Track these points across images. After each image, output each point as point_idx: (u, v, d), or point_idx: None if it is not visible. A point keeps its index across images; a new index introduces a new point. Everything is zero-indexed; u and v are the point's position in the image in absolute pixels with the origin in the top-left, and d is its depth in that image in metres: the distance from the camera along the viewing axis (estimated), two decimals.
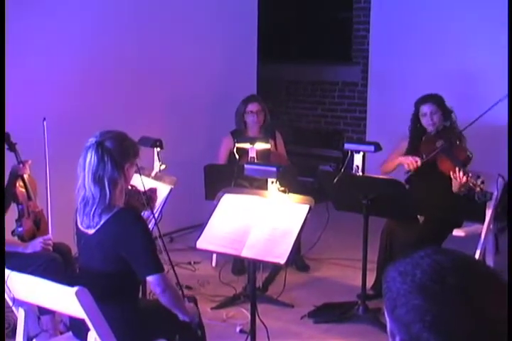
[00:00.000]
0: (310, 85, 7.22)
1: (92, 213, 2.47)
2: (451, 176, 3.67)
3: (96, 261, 2.53)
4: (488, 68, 5.55)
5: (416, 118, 4.12)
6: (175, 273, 3.01)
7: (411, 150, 4.11)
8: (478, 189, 3.53)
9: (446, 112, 4.06)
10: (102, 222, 2.48)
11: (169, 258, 3.02)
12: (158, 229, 3.02)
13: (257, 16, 5.72)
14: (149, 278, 2.46)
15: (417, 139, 4.10)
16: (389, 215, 3.89)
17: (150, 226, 2.92)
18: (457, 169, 3.64)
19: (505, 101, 4.82)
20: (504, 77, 5.17)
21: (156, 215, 3.13)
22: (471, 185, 3.56)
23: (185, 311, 2.56)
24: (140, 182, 2.79)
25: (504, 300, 1.07)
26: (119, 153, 2.47)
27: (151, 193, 2.96)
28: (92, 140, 2.48)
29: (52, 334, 3.15)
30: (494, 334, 1.04)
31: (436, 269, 1.07)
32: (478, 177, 3.56)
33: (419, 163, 3.91)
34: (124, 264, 2.46)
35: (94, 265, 2.54)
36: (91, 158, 2.44)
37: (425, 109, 4.05)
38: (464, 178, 3.59)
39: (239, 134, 4.58)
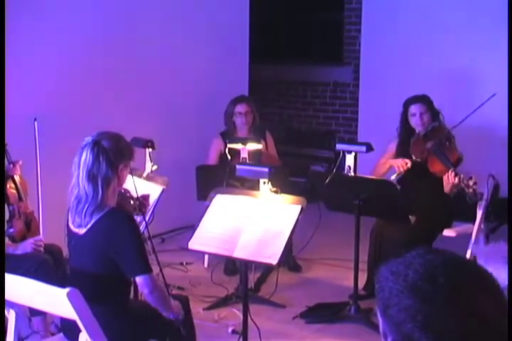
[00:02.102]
0: (301, 86, 7.22)
1: (84, 211, 2.47)
2: (443, 177, 3.69)
3: (87, 262, 2.53)
4: (480, 69, 5.57)
5: (405, 119, 4.12)
6: (162, 275, 3.01)
7: (401, 153, 4.11)
8: (470, 190, 3.56)
9: (434, 113, 4.09)
10: (93, 222, 2.47)
11: (157, 260, 3.01)
12: (148, 231, 3.01)
13: (248, 16, 5.72)
14: (137, 279, 2.47)
15: (406, 141, 4.11)
16: (380, 215, 3.90)
17: (141, 228, 2.92)
18: (449, 171, 3.66)
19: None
20: (495, 78, 5.19)
21: (148, 216, 3.12)
22: (463, 185, 3.59)
23: (170, 309, 2.57)
24: (133, 186, 2.78)
25: (496, 299, 1.07)
26: (114, 153, 2.48)
27: (144, 199, 2.97)
28: (88, 139, 2.49)
29: (44, 336, 3.14)
30: (486, 333, 1.04)
31: (428, 269, 1.07)
32: (471, 178, 3.58)
33: (409, 164, 3.92)
34: (115, 264, 2.46)
35: (85, 266, 2.53)
36: (86, 156, 2.45)
37: (415, 109, 4.06)
38: (456, 179, 3.62)
39: (228, 135, 4.56)
